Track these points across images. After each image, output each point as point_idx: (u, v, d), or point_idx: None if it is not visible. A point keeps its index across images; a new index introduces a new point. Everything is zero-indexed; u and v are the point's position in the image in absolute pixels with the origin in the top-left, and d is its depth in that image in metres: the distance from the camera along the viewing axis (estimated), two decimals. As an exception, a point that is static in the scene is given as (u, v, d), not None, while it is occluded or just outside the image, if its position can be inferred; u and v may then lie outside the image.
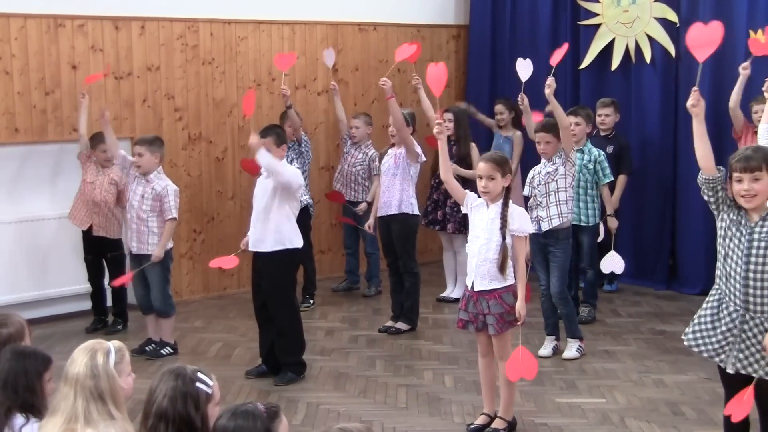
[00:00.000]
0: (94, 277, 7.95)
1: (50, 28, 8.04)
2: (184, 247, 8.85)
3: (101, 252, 7.88)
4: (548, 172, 6.87)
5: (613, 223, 8.00)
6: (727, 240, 4.47)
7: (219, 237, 9.09)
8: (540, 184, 6.90)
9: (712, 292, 4.60)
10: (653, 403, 6.15)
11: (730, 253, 4.44)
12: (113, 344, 3.47)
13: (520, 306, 5.45)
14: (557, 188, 6.86)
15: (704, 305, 4.63)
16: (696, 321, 4.62)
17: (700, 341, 4.58)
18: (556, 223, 6.87)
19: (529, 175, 7.05)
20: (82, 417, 3.28)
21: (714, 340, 4.53)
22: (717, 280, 4.56)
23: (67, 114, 8.15)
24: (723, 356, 4.51)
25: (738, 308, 4.44)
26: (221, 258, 6.86)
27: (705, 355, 4.60)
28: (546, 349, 7.13)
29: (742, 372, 4.45)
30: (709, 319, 4.56)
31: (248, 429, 3.04)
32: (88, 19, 8.23)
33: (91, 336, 7.25)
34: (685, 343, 4.69)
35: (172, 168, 8.57)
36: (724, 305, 4.50)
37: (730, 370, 4.48)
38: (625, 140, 8.75)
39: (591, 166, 7.61)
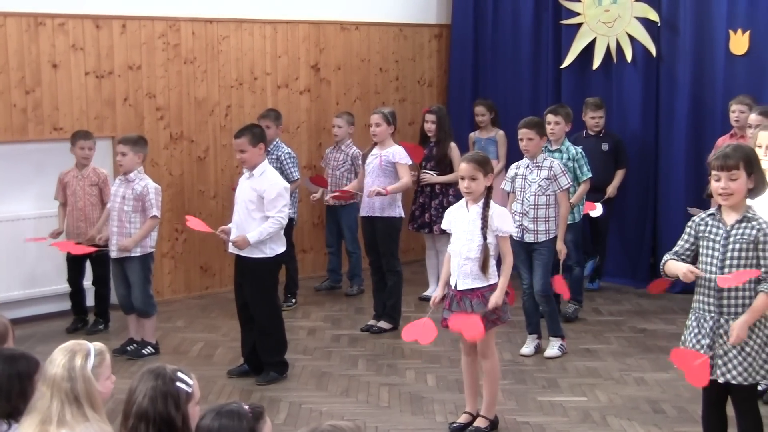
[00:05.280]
0: (74, 277, 7.91)
1: (30, 27, 7.99)
2: (166, 247, 8.81)
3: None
4: (539, 186, 6.87)
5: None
6: (703, 257, 4.48)
7: (201, 236, 9.01)
8: (527, 192, 6.88)
9: (690, 316, 4.58)
10: (634, 400, 6.17)
11: (707, 266, 4.45)
12: (94, 346, 3.41)
13: (497, 296, 5.48)
14: (547, 204, 6.87)
15: (686, 325, 4.63)
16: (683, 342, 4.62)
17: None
18: (542, 239, 6.89)
19: (510, 172, 7.05)
20: (55, 419, 3.24)
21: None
22: (693, 303, 4.56)
23: (48, 113, 8.09)
24: (714, 369, 4.47)
25: (713, 315, 4.44)
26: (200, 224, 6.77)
27: None
28: (528, 348, 7.14)
29: (728, 379, 4.44)
30: (692, 335, 4.55)
31: (233, 429, 3.01)
32: (69, 18, 8.18)
33: (72, 336, 7.20)
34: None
35: (154, 167, 8.53)
36: (701, 321, 4.50)
37: (720, 380, 4.46)
38: (618, 136, 8.91)
39: (570, 164, 7.61)
